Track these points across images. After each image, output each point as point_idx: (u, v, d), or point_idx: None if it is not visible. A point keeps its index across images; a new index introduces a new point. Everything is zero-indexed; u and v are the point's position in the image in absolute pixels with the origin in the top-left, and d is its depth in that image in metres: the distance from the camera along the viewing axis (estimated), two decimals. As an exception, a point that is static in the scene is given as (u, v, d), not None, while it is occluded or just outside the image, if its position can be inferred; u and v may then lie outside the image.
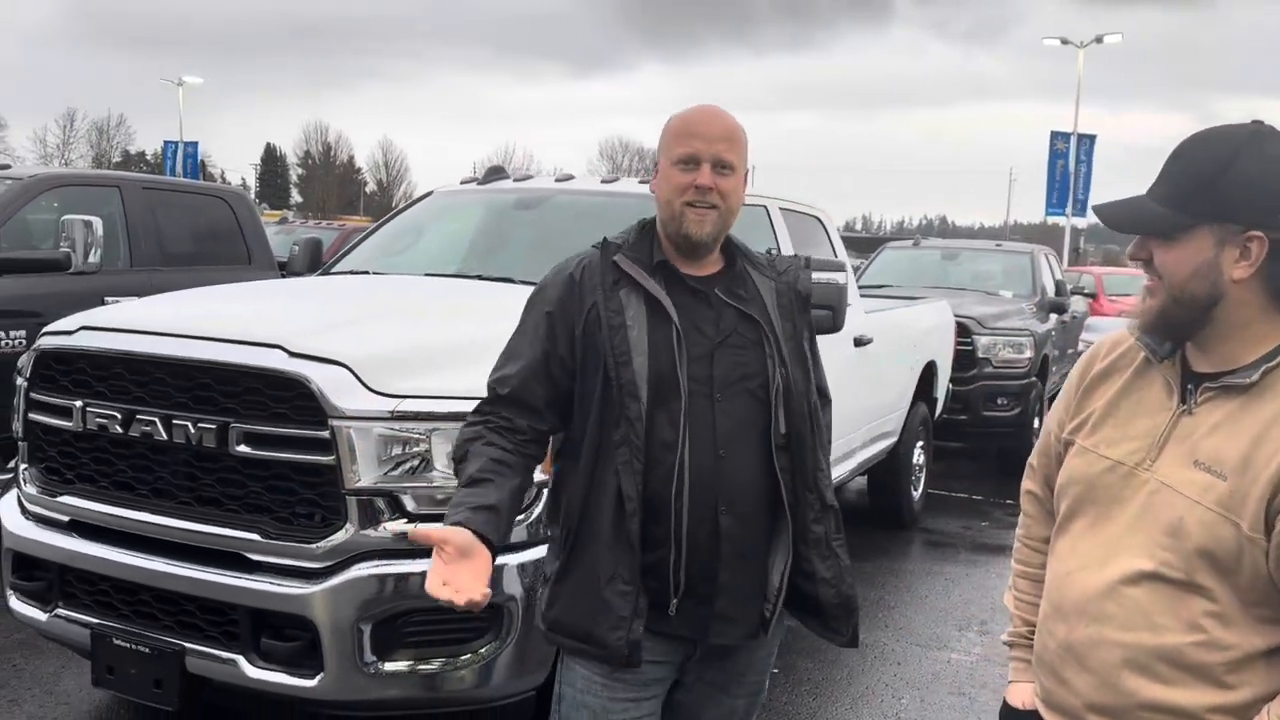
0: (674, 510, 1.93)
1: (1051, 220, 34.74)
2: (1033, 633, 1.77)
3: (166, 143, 44.12)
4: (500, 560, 2.49)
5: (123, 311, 3.41)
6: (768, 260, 2.18)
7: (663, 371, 1.96)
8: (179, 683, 2.91)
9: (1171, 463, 1.51)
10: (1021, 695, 1.82)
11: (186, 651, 2.91)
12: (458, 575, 1.77)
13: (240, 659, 2.86)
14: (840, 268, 3.94)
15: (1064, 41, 32.48)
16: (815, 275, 3.85)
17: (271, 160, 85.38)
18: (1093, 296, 20.24)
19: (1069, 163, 30.47)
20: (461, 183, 5.29)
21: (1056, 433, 1.75)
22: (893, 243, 11.83)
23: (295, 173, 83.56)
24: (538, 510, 2.84)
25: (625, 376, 1.93)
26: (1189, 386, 1.54)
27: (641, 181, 5.08)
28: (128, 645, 2.98)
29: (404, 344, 3.02)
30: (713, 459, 1.96)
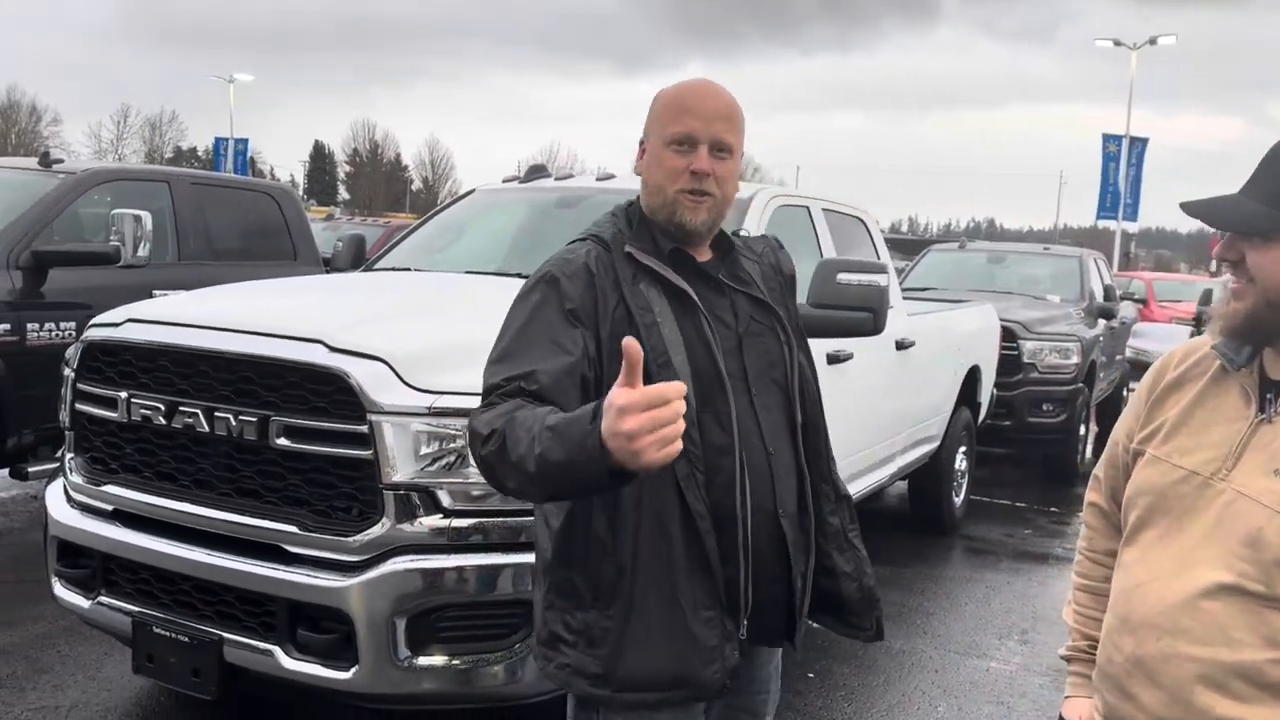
0: (740, 519, 1.80)
1: (1103, 224, 34.16)
2: (1093, 648, 1.74)
3: (217, 139, 44.83)
4: (526, 558, 2.49)
5: (168, 305, 3.46)
6: (743, 242, 2.04)
7: (702, 368, 1.81)
8: (217, 672, 2.95)
9: (1250, 472, 1.48)
10: (1079, 710, 1.77)
11: (224, 641, 2.94)
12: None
13: (277, 650, 2.89)
14: (881, 269, 3.89)
15: (1116, 43, 31.97)
16: (855, 277, 3.82)
17: (320, 157, 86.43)
18: (1143, 302, 19.85)
19: (1120, 166, 29.96)
20: (503, 181, 5.31)
21: (1125, 443, 1.72)
22: (938, 245, 11.70)
23: (343, 170, 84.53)
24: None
25: (667, 378, 1.71)
26: (1268, 395, 1.51)
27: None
28: (167, 634, 3.02)
29: (443, 341, 3.03)
30: (764, 458, 1.85)
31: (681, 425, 1.41)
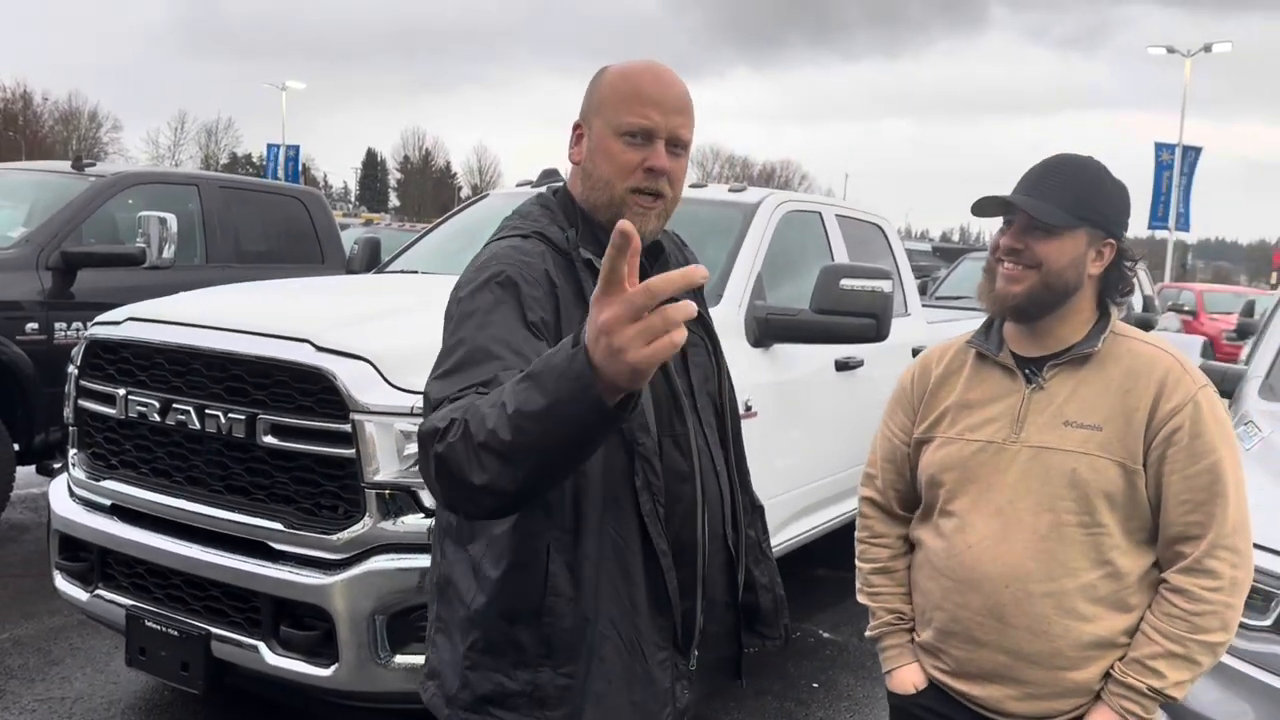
0: (700, 550, 1.67)
1: (1158, 234, 33.56)
2: (901, 619, 1.99)
3: (269, 146, 45.62)
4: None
5: (168, 303, 3.52)
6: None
7: (659, 389, 1.65)
8: (205, 666, 2.98)
9: (1041, 429, 1.78)
10: (911, 677, 1.95)
11: (212, 636, 2.98)
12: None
13: (261, 645, 2.92)
14: (885, 275, 3.84)
15: (1170, 50, 31.41)
16: (859, 283, 3.79)
17: (372, 164, 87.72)
18: (1192, 314, 19.49)
19: (1174, 175, 29.41)
20: (518, 185, 5.34)
21: (903, 438, 2.00)
22: (973, 253, 11.55)
23: (394, 177, 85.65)
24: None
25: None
26: (1027, 370, 1.84)
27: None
28: (159, 628, 3.06)
29: (430, 341, 3.03)
30: (715, 480, 1.72)
31: (673, 322, 1.15)
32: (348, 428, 2.80)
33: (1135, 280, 1.92)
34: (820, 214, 4.93)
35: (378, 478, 2.79)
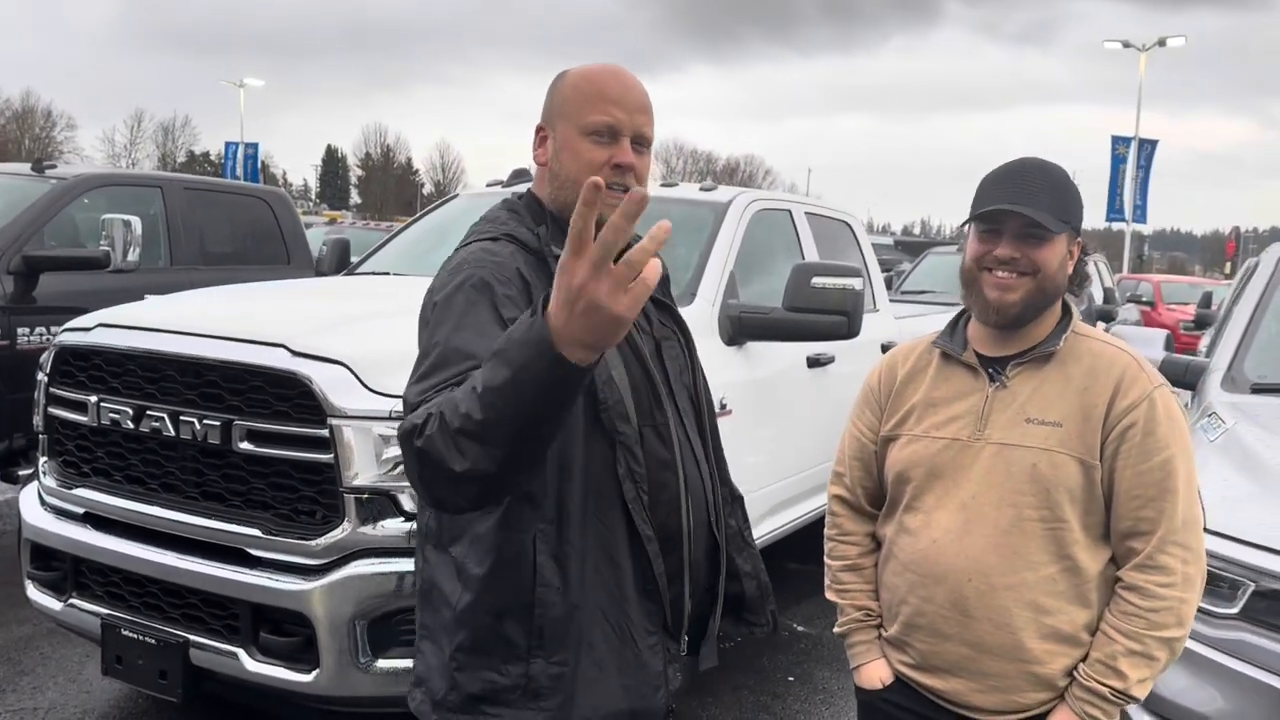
0: (685, 537, 1.73)
1: (1115, 226, 34.10)
2: (869, 616, 2.01)
3: (228, 144, 45.09)
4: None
5: (138, 309, 3.49)
6: None
7: (638, 380, 1.72)
8: (183, 674, 2.96)
9: (1004, 427, 1.81)
10: (878, 672, 1.98)
11: (190, 644, 2.96)
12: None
13: (241, 652, 2.91)
14: (856, 273, 3.89)
15: (1125, 45, 31.86)
16: (830, 281, 3.83)
17: (332, 161, 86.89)
18: (1150, 305, 19.80)
19: (1129, 168, 29.87)
20: (488, 185, 5.33)
21: (870, 436, 2.03)
22: (937, 248, 11.68)
23: (355, 174, 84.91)
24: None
25: (613, 396, 1.63)
26: (990, 370, 1.87)
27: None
28: (136, 636, 3.04)
29: (406, 344, 3.04)
30: (696, 469, 1.78)
31: (638, 265, 1.18)
32: (325, 432, 2.80)
33: (1087, 271, 1.95)
34: (790, 212, 4.97)
35: (356, 482, 2.79)
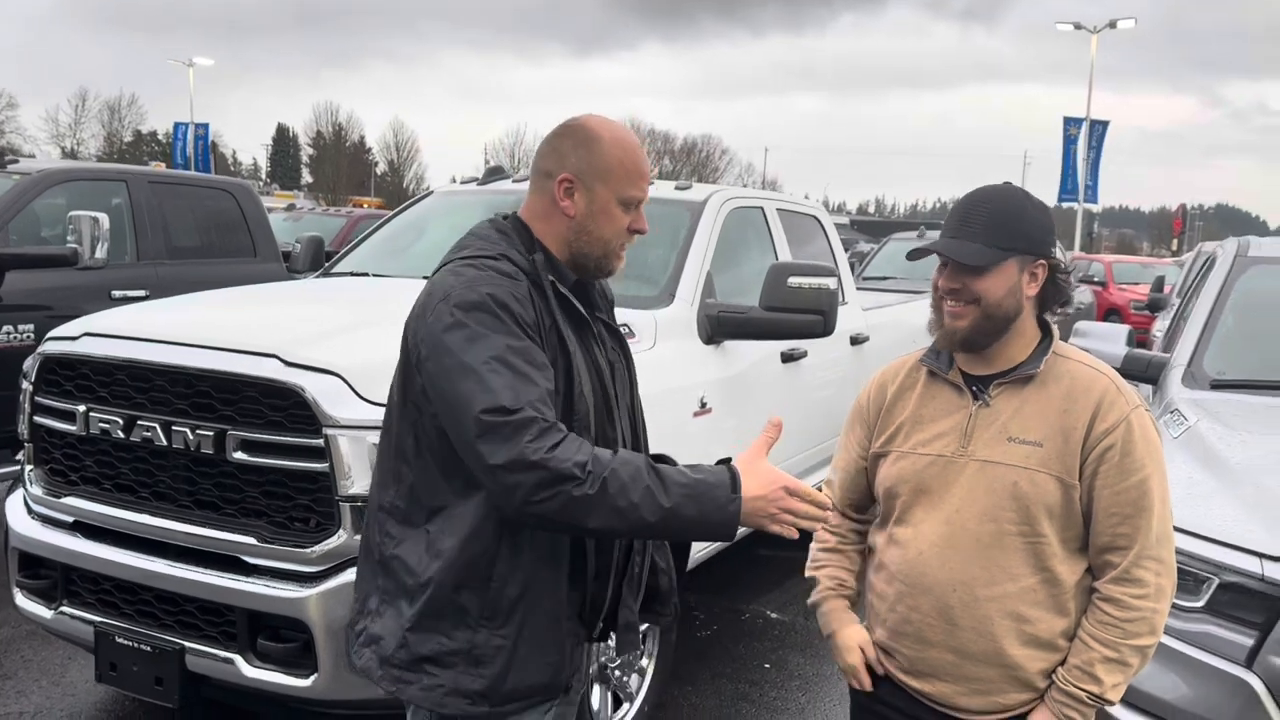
0: (620, 540, 2.00)
1: (1066, 205, 34.65)
2: (842, 585, 2.15)
3: (177, 124, 44.24)
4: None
5: (125, 317, 3.48)
6: None
7: (598, 397, 1.96)
8: (179, 680, 3.00)
9: (987, 445, 1.90)
10: (856, 637, 2.08)
11: (186, 650, 2.99)
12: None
13: (238, 658, 2.95)
14: (830, 273, 3.98)
15: (1077, 26, 32.26)
16: (805, 280, 3.92)
17: (283, 141, 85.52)
18: (1102, 285, 20.21)
19: (1080, 149, 30.34)
20: (461, 183, 5.35)
21: (860, 452, 2.13)
22: (898, 234, 11.85)
23: (306, 153, 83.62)
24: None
25: (582, 408, 1.89)
26: (974, 388, 1.95)
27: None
28: (130, 643, 3.06)
29: (397, 353, 3.08)
30: None
31: (803, 515, 1.76)
32: (320, 442, 2.83)
33: (1069, 291, 2.01)
34: (763, 209, 5.05)
35: (352, 490, 2.83)
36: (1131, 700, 2.60)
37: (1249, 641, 2.48)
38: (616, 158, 1.96)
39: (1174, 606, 2.54)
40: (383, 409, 2.82)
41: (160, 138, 71.36)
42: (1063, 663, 1.87)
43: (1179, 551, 2.33)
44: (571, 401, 1.88)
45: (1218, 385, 3.68)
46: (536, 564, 1.88)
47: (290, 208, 18.11)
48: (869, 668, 2.07)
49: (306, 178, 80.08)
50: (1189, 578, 2.60)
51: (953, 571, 1.89)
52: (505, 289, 1.84)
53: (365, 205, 35.17)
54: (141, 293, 6.18)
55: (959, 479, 1.91)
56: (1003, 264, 1.88)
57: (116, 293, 6.13)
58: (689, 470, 1.77)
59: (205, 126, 42.91)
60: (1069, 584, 1.87)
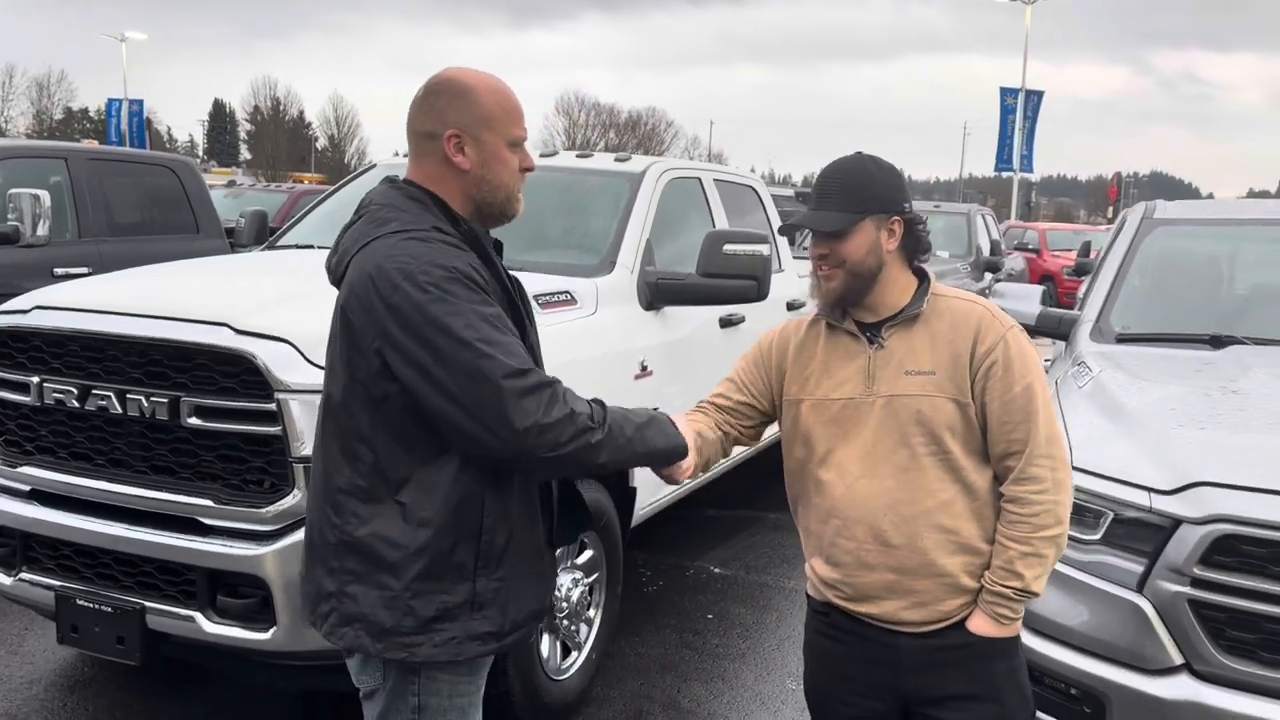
0: (555, 481, 2.26)
1: (1004, 175, 35.28)
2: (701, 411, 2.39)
3: (110, 100, 43.15)
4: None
5: (75, 290, 3.55)
6: None
7: (536, 355, 2.10)
8: (140, 639, 3.11)
9: (889, 381, 2.11)
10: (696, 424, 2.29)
11: (147, 610, 3.10)
12: None
13: (198, 615, 3.07)
14: (763, 240, 4.16)
15: (1013, -2, 32.71)
16: (740, 247, 4.09)
17: (220, 116, 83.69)
18: (1036, 252, 20.73)
19: (1019, 118, 30.86)
20: (405, 156, 5.42)
21: (745, 381, 2.35)
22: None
23: (244, 129, 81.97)
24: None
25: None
26: (867, 334, 2.16)
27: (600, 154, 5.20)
28: (90, 605, 3.17)
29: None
30: None
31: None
32: (272, 406, 2.95)
33: (924, 239, 2.19)
34: (700, 180, 5.21)
35: (304, 452, 2.95)
36: (1036, 626, 2.83)
37: (1139, 569, 2.70)
38: (495, 103, 2.03)
39: (1073, 540, 2.77)
40: (332, 373, 2.97)
41: (92, 115, 69.57)
42: (988, 566, 2.08)
43: (1078, 490, 2.56)
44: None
45: (1123, 339, 3.93)
46: (518, 509, 2.04)
47: (231, 184, 17.88)
48: (819, 598, 2.26)
49: (245, 154, 78.57)
50: (1088, 513, 2.82)
51: (880, 498, 2.09)
52: (463, 259, 1.91)
53: (306, 181, 34.74)
54: (84, 270, 6.18)
55: (870, 416, 2.11)
56: (858, 225, 2.08)
57: (59, 270, 6.13)
58: (638, 411, 2.09)
59: (140, 103, 41.96)
60: (983, 490, 2.08)
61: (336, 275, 2.06)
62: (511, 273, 2.14)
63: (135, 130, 40.64)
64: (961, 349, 2.08)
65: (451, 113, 2.00)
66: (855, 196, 2.10)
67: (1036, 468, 2.04)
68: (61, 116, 69.51)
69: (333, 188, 5.43)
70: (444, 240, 1.94)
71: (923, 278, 2.19)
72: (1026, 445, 2.04)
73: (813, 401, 2.20)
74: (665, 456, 2.12)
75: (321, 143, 78.99)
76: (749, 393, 2.33)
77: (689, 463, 2.17)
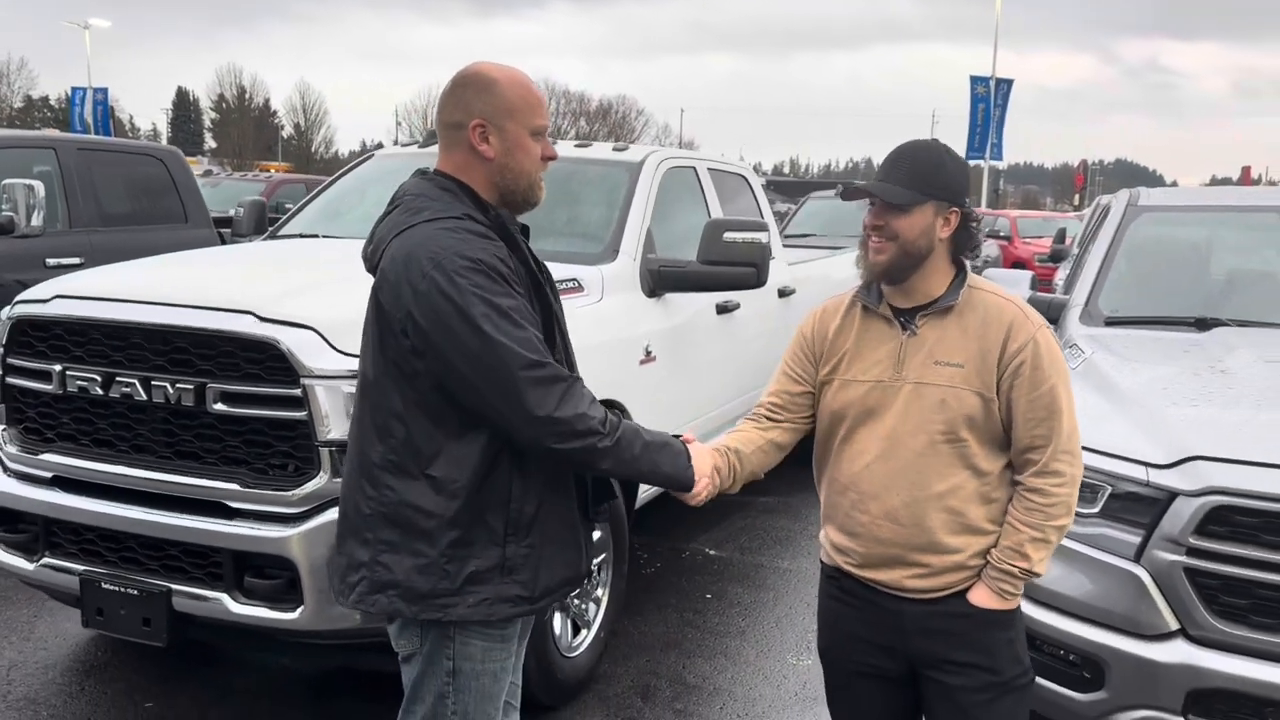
0: None
1: (974, 162, 35.62)
2: (726, 447, 2.40)
3: (74, 89, 42.51)
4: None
5: (96, 279, 3.59)
6: None
7: (566, 345, 2.23)
8: (166, 620, 3.18)
9: (917, 368, 2.20)
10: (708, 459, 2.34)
11: (173, 592, 3.17)
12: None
13: (225, 597, 3.14)
14: (763, 228, 4.27)
15: (982, -14, 32.91)
16: (739, 235, 4.20)
17: (184, 105, 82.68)
18: (1008, 239, 21.00)
19: (989, 107, 31.16)
20: (404, 146, 5.48)
21: (797, 374, 2.39)
22: (817, 193, 12.22)
23: (209, 118, 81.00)
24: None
25: (557, 357, 2.11)
26: (901, 319, 2.24)
27: (621, 146, 5.29)
28: (116, 588, 3.23)
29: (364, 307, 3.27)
30: None
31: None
32: (298, 392, 3.02)
33: (977, 236, 2.27)
34: (695, 168, 5.31)
35: (330, 436, 3.03)
36: (1037, 596, 2.96)
37: (1136, 540, 2.84)
38: (517, 94, 2.13)
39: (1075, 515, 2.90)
40: (355, 359, 3.03)
41: (53, 103, 68.49)
42: (994, 545, 2.20)
43: None
44: (552, 350, 2.09)
45: (1111, 322, 4.07)
46: (547, 481, 2.15)
47: (207, 173, 17.77)
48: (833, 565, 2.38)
49: (210, 143, 77.67)
50: (1086, 488, 2.95)
51: (894, 479, 2.19)
52: (489, 250, 2.02)
53: (273, 170, 34.44)
54: (76, 260, 6.19)
55: (895, 400, 2.20)
56: (920, 206, 2.15)
57: (51, 261, 6.14)
58: (657, 434, 2.19)
59: (104, 91, 41.36)
60: (993, 476, 2.19)
61: (372, 263, 2.18)
62: (539, 258, 2.23)
63: (100, 119, 40.08)
64: (991, 345, 2.16)
65: (477, 103, 2.11)
66: (924, 178, 2.16)
67: (1059, 463, 2.15)
68: (21, 105, 68.38)
69: (331, 178, 5.47)
70: (474, 228, 2.05)
71: (960, 269, 2.27)
72: (1051, 441, 2.15)
73: (842, 381, 2.29)
74: (669, 482, 2.20)
75: (288, 131, 78.24)
76: (806, 383, 2.40)
77: (700, 492, 2.25)
